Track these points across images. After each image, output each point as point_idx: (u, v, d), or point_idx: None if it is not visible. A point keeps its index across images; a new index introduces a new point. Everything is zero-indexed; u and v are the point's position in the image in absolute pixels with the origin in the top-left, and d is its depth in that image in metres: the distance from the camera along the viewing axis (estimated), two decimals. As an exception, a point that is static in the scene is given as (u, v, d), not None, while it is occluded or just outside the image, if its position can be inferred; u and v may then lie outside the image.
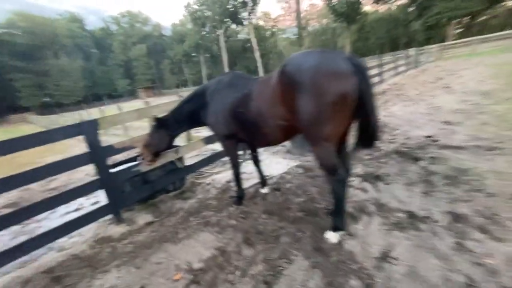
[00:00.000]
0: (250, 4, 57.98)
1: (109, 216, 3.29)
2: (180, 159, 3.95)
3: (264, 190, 3.47)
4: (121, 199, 3.23)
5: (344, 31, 43.82)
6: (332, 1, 37.56)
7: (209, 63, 70.74)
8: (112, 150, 3.10)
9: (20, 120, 34.84)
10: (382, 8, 43.35)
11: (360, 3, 36.79)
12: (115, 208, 3.19)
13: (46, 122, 21.59)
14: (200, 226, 2.95)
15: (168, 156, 3.63)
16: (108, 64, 61.23)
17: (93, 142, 2.90)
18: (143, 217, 3.44)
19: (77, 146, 9.72)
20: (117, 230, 3.17)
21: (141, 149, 3.19)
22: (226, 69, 61.08)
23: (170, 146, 3.31)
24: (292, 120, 2.13)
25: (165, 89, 67.32)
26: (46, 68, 45.35)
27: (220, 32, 61.61)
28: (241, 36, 77.03)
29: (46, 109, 42.97)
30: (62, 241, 3.10)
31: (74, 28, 56.74)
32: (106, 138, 7.95)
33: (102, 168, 3.01)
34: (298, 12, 46.59)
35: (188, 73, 69.70)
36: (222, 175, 4.44)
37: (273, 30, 69.42)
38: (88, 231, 3.21)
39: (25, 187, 4.97)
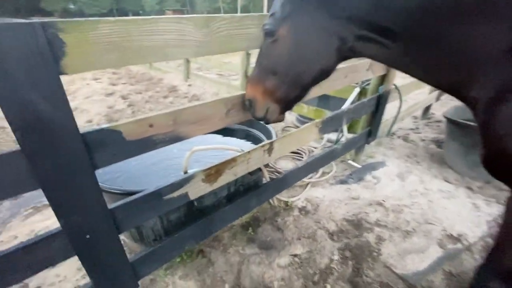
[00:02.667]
0: None
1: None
2: (266, 165, 1.78)
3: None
4: (128, 268, 1.20)
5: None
6: None
7: (247, -7, 62.43)
8: (123, 145, 0.94)
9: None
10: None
11: None
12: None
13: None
14: None
15: (250, 162, 1.46)
16: (138, -24, 54.75)
17: (37, 107, 0.74)
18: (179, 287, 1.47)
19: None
20: None
21: (252, 92, 1.05)
22: (266, 4, 53.62)
23: (329, 72, 0.98)
24: None
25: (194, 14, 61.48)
26: (70, -32, 40.68)
27: (266, -45, 52.28)
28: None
29: (68, 16, 39.89)
30: None
31: None
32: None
33: (81, 202, 0.91)
34: None
35: (222, 1, 62.44)
36: (325, 191, 2.29)
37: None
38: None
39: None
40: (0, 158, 0.75)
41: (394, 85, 2.39)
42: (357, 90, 2.26)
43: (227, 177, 1.39)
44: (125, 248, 1.72)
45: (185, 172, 1.39)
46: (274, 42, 0.90)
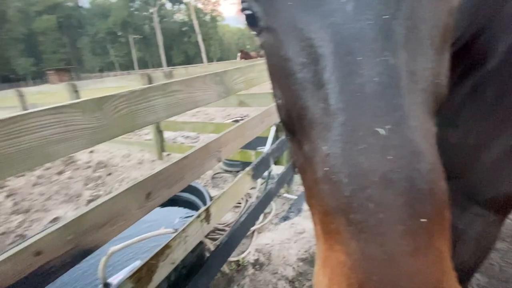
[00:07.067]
0: (190, -20, 52.56)
1: None
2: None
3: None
4: None
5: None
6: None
7: (140, 45, 62.33)
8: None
9: None
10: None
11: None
12: None
13: None
14: None
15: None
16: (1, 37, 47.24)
17: None
18: None
19: None
20: None
21: None
22: (162, 53, 54.49)
23: None
24: None
25: (85, 72, 56.65)
26: None
27: (153, 9, 54.26)
28: (177, 18, 70.08)
29: None
30: None
31: None
32: None
33: None
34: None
35: (115, 55, 60.14)
36: (272, 234, 2.20)
37: (213, 14, 65.19)
38: None
39: None
40: None
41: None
42: (273, 128, 2.37)
43: (164, 271, 1.13)
44: None
45: (105, 286, 1.06)
46: None
